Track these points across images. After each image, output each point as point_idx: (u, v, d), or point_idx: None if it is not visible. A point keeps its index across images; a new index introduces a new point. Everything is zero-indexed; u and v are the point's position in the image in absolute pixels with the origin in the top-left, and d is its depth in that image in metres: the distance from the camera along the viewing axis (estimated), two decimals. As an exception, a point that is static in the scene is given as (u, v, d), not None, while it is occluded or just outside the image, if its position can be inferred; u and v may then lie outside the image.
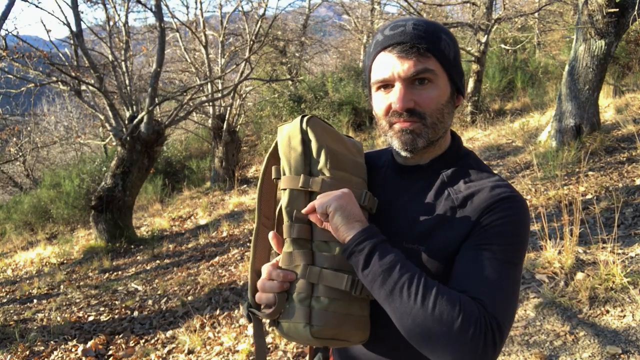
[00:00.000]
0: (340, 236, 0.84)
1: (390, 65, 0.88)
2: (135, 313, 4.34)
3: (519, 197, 0.90)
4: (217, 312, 3.95)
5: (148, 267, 5.84)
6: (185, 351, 3.39)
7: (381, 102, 0.92)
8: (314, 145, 0.91)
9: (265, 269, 0.92)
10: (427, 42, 0.87)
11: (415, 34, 0.87)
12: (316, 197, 0.88)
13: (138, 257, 6.36)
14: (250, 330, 3.44)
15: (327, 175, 0.89)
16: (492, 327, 0.76)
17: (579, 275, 2.90)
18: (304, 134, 0.92)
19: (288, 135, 0.93)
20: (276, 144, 0.96)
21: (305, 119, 0.94)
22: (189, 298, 4.45)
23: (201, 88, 8.85)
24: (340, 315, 0.86)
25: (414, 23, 0.89)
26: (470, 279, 0.82)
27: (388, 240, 0.85)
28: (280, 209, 0.92)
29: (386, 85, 0.91)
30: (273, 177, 0.95)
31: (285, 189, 0.90)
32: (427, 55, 0.87)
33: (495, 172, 1.07)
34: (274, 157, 0.97)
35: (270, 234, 0.93)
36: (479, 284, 0.81)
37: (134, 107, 6.99)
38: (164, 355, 3.41)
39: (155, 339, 3.75)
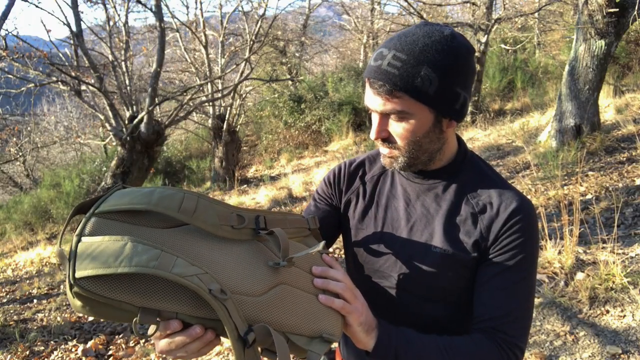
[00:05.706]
0: (360, 344, 0.85)
1: (369, 96, 0.88)
2: (135, 313, 4.34)
3: (527, 202, 0.94)
4: (217, 312, 3.95)
5: (148, 267, 5.83)
6: (185, 351, 3.38)
7: (372, 123, 0.94)
8: None
9: None
10: (400, 80, 0.82)
11: (387, 73, 0.83)
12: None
13: (138, 257, 6.35)
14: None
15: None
16: (514, 353, 0.89)
17: (579, 275, 2.90)
18: None
19: None
20: None
21: None
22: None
23: (201, 88, 8.86)
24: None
25: (392, 56, 0.83)
26: (493, 309, 0.91)
27: (403, 334, 0.87)
28: None
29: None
30: None
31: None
32: (397, 95, 0.83)
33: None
34: None
35: None
36: (501, 312, 0.90)
37: (134, 107, 6.99)
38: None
39: (155, 339, 3.74)
